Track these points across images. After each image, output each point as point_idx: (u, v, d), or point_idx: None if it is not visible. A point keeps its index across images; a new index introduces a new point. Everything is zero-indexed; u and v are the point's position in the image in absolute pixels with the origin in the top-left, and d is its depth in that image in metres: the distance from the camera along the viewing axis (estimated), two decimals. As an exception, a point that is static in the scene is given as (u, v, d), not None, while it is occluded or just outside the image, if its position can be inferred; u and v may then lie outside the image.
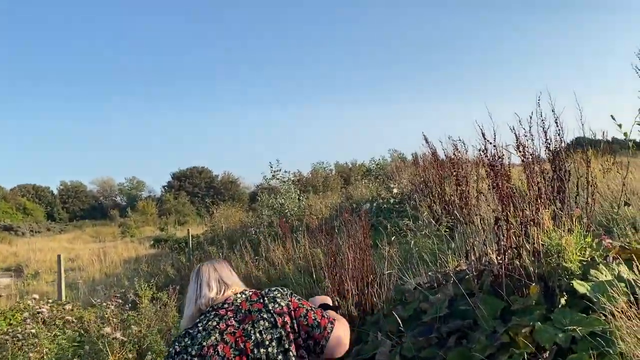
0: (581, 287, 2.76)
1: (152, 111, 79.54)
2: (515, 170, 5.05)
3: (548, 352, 2.51)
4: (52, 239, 33.50)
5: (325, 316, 2.15)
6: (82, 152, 78.48)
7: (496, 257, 3.25)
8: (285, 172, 16.05)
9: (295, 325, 2.09)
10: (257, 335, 2.04)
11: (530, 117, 4.00)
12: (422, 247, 6.76)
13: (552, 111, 3.95)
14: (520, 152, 3.21)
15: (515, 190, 3.10)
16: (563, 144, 3.97)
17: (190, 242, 16.62)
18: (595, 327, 2.49)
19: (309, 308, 2.15)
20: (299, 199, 15.43)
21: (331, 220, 11.12)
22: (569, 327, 2.56)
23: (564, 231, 3.04)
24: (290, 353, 2.04)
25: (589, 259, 3.03)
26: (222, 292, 2.22)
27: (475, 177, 7.97)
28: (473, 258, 3.55)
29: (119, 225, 39.80)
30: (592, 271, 2.89)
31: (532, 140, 3.89)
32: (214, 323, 2.08)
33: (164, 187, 54.23)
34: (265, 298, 2.15)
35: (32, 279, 16.68)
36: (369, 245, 5.06)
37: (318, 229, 8.55)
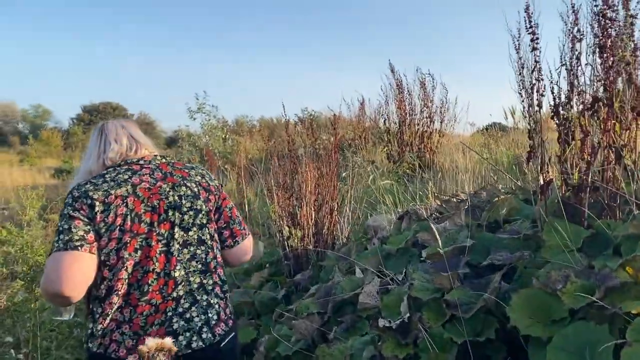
0: None
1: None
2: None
3: None
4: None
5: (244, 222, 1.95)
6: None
7: (575, 163, 2.14)
8: (213, 106, 14.40)
9: (218, 209, 1.83)
10: (176, 197, 1.71)
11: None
12: (379, 188, 5.67)
13: None
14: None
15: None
16: None
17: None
18: None
19: (234, 205, 1.92)
20: (224, 138, 14.00)
21: (262, 163, 9.98)
22: None
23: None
24: (207, 230, 1.75)
25: None
26: (133, 150, 1.81)
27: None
28: (534, 165, 2.43)
29: (17, 152, 36.14)
30: None
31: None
32: (126, 177, 1.70)
33: (72, 119, 50.01)
34: (193, 170, 1.85)
35: None
36: (338, 161, 3.86)
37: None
